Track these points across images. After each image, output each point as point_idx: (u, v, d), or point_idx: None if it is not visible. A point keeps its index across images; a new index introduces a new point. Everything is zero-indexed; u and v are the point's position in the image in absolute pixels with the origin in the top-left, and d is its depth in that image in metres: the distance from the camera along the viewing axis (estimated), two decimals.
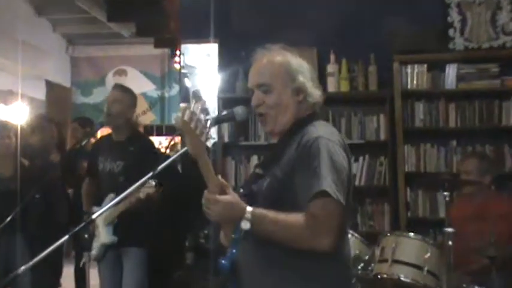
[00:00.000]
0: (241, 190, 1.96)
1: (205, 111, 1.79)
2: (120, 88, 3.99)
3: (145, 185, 3.46)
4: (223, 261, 1.88)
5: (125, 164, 3.74)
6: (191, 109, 1.76)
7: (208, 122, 1.84)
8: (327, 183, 1.81)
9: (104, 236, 3.72)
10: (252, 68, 2.11)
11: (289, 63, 2.04)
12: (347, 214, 1.94)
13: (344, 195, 1.84)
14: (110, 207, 2.19)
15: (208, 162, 1.85)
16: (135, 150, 3.76)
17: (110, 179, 3.77)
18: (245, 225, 1.83)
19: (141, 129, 6.00)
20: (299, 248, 1.83)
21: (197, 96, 1.65)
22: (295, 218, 1.82)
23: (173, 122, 8.72)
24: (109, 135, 4.01)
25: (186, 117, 1.76)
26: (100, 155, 3.89)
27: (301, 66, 2.06)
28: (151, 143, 4.07)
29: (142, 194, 3.50)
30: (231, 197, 1.85)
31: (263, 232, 1.85)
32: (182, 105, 1.80)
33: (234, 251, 1.88)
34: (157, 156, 3.85)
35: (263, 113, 2.04)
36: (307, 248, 1.83)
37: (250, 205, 1.88)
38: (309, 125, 1.97)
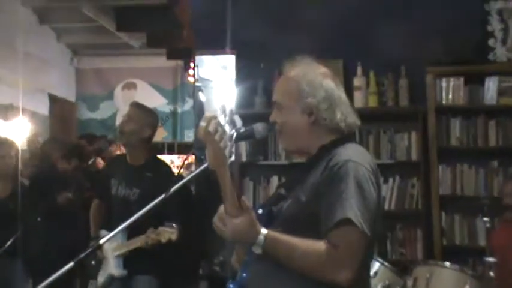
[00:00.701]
0: (260, 210, 1.98)
1: (232, 123, 1.82)
2: (136, 105, 4.03)
3: (168, 229, 3.53)
4: (231, 286, 1.91)
5: (141, 192, 3.76)
6: (217, 119, 1.78)
7: (234, 136, 1.86)
8: (352, 211, 1.82)
9: (112, 267, 3.76)
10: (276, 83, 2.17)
11: (300, 79, 2.06)
12: (372, 246, 1.96)
13: (369, 226, 1.85)
14: (117, 233, 2.21)
15: (229, 179, 1.87)
16: (153, 177, 3.77)
17: (124, 206, 3.78)
18: (256, 249, 1.86)
19: None
20: (314, 278, 1.84)
21: (226, 109, 1.68)
22: (314, 245, 1.83)
23: (186, 139, 8.80)
24: (123, 156, 4.05)
25: (211, 128, 1.78)
26: (113, 178, 3.92)
27: (315, 85, 2.05)
28: (171, 170, 4.09)
29: (163, 239, 3.54)
30: (246, 219, 1.85)
31: (277, 258, 1.86)
32: (208, 114, 1.81)
33: (244, 274, 1.90)
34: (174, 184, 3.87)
35: (277, 130, 2.11)
36: (323, 280, 1.83)
37: (268, 226, 1.89)
38: (338, 147, 2.00)
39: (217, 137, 1.79)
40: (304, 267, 1.85)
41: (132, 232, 3.59)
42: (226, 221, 1.86)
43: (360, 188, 1.87)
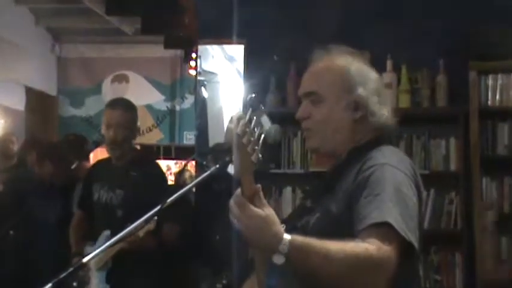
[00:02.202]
0: (284, 226, 1.98)
1: (259, 124, 1.80)
2: (122, 106, 4.00)
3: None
4: None
5: (125, 195, 3.83)
6: (246, 119, 1.77)
7: (262, 137, 1.83)
8: (392, 216, 1.80)
9: (94, 284, 3.78)
10: (306, 73, 2.18)
11: (347, 69, 2.09)
12: (417, 264, 1.97)
13: (416, 237, 1.83)
14: (104, 250, 2.23)
15: (253, 184, 1.81)
16: (138, 176, 3.84)
17: (106, 212, 3.87)
18: (278, 259, 1.77)
19: None
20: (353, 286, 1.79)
21: (255, 104, 1.65)
22: (350, 246, 1.76)
23: (185, 142, 8.82)
24: (108, 158, 4.12)
25: (239, 130, 1.76)
26: (95, 182, 3.99)
27: (365, 75, 2.11)
28: (160, 169, 4.17)
29: (141, 232, 3.54)
30: (268, 213, 1.77)
31: (305, 267, 1.79)
32: (236, 113, 1.81)
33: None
34: (167, 185, 3.90)
35: (308, 128, 2.11)
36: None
37: None
38: (373, 150, 2.02)
39: (245, 140, 1.76)
40: (342, 273, 1.76)
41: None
42: (244, 207, 1.76)
43: (400, 193, 1.87)
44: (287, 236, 1.77)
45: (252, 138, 1.77)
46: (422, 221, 1.98)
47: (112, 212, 3.82)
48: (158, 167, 4.19)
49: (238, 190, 1.79)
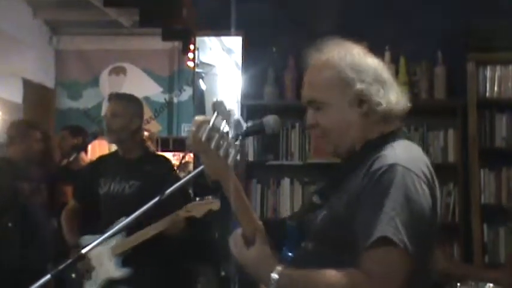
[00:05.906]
0: (289, 222, 1.99)
1: (236, 127, 1.76)
2: (116, 98, 4.24)
3: (204, 201, 3.69)
4: None
5: (141, 185, 3.92)
6: (211, 123, 1.73)
7: (239, 139, 1.81)
8: (392, 227, 1.77)
9: (112, 270, 3.83)
10: (303, 80, 2.10)
11: (340, 67, 2.00)
12: (426, 269, 1.92)
13: (417, 244, 1.79)
14: (101, 242, 2.21)
15: (240, 190, 1.86)
16: (153, 170, 3.94)
17: (118, 202, 3.90)
18: None
19: None
20: None
21: (220, 107, 1.61)
22: (340, 277, 1.78)
23: (183, 134, 8.83)
24: (115, 152, 4.26)
25: (203, 135, 1.73)
26: (102, 177, 4.06)
27: (360, 66, 2.01)
28: (171, 164, 4.30)
29: (197, 214, 3.67)
30: (257, 252, 1.88)
31: None
32: (198, 117, 1.75)
33: None
34: (177, 179, 3.95)
35: (320, 136, 2.04)
36: None
37: (298, 241, 1.90)
38: (385, 146, 1.94)
39: (213, 144, 1.73)
40: None
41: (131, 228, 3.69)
42: (239, 248, 1.89)
43: (407, 200, 1.81)
44: (278, 268, 1.86)
45: (223, 142, 1.74)
46: (435, 219, 1.92)
47: (126, 201, 3.86)
48: (169, 161, 4.32)
49: (239, 229, 1.90)
